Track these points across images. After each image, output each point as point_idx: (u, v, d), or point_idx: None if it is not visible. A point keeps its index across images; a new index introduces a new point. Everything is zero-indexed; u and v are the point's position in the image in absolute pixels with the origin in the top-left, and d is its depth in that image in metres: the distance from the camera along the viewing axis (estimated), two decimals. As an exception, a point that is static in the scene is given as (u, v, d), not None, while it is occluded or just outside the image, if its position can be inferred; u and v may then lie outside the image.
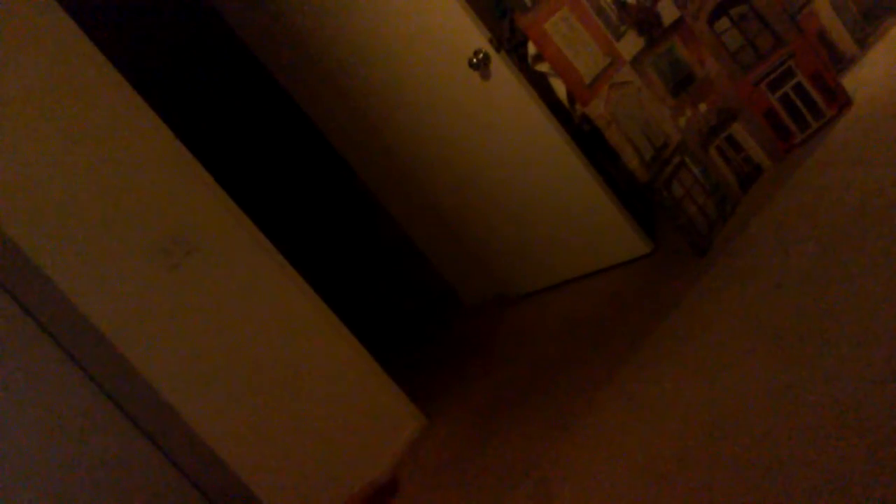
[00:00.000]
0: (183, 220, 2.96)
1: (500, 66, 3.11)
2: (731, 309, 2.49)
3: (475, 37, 3.08)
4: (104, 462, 2.81)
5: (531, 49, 3.14)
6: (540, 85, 3.21)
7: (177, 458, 2.94)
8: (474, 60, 3.12)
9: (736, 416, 2.02)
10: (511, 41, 3.21)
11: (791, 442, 1.83)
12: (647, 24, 3.07)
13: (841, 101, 3.10)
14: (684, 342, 2.53)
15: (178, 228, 2.94)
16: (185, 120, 3.43)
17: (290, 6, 3.54)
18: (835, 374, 1.89)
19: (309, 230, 5.03)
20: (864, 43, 3.47)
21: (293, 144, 4.85)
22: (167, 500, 2.89)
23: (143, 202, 2.91)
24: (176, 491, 2.92)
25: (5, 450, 2.66)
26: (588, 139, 3.25)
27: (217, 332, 2.94)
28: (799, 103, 3.13)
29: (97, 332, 2.68)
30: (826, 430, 1.78)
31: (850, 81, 3.26)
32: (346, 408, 3.16)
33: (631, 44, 3.03)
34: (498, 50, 3.09)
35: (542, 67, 3.17)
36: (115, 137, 2.90)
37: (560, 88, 3.15)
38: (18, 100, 2.75)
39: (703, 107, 3.11)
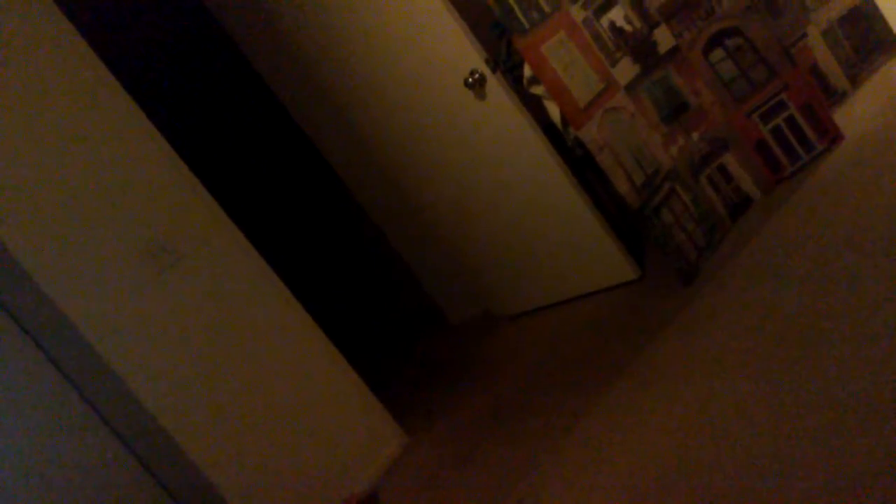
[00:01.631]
0: (172, 226, 2.95)
1: (496, 87, 3.12)
2: (716, 339, 2.50)
3: (472, 56, 3.09)
4: (80, 466, 2.78)
5: (527, 71, 3.15)
6: (534, 107, 3.23)
7: (154, 466, 2.91)
8: (470, 80, 3.13)
9: (715, 445, 2.02)
10: (507, 62, 3.22)
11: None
12: (643, 52, 3.09)
13: (832, 134, 3.13)
14: (668, 370, 2.53)
15: (166, 235, 2.93)
16: (176, 125, 3.42)
17: (285, 18, 3.55)
18: (818, 404, 1.89)
19: (297, 241, 5.02)
20: (856, 79, 3.51)
21: (284, 155, 4.85)
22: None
23: (133, 207, 2.89)
24: (152, 500, 2.88)
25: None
26: (580, 163, 3.26)
27: (201, 340, 2.92)
28: (790, 136, 3.16)
29: (79, 335, 2.65)
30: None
31: (842, 116, 3.29)
32: (327, 422, 3.14)
33: (626, 70, 3.04)
34: (494, 71, 3.11)
35: (537, 90, 3.18)
36: (107, 141, 2.89)
37: (554, 111, 3.17)
38: (11, 101, 2.74)
39: (695, 135, 3.12)
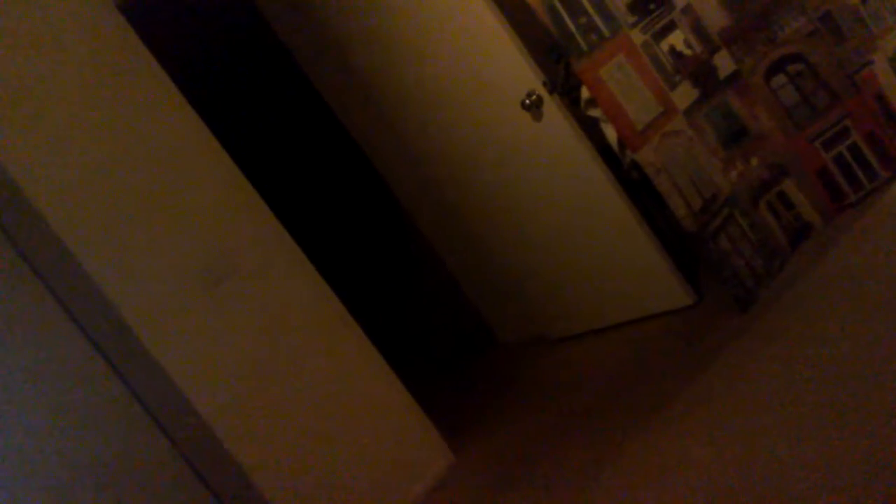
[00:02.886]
0: (233, 243, 3.00)
1: (553, 109, 3.12)
2: (771, 370, 2.45)
3: (529, 78, 3.10)
4: (132, 467, 2.84)
5: (584, 93, 3.15)
6: (591, 129, 3.22)
7: (205, 472, 2.95)
8: (527, 102, 3.14)
9: (763, 478, 1.97)
10: (565, 85, 3.23)
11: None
12: (703, 76, 3.07)
13: (897, 163, 3.07)
14: (720, 400, 2.49)
15: (227, 251, 2.98)
16: (232, 136, 3.48)
17: (344, 34, 3.60)
18: (873, 445, 1.83)
19: (349, 258, 5.06)
20: (922, 107, 3.43)
21: (340, 171, 4.90)
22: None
23: (196, 223, 2.95)
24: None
25: (43, 447, 2.70)
26: (636, 186, 3.24)
27: (253, 353, 2.95)
28: (853, 163, 3.10)
29: (137, 340, 2.71)
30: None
31: (907, 145, 3.22)
32: (376, 438, 3.15)
33: (685, 94, 3.02)
34: (551, 92, 3.11)
35: (594, 112, 3.18)
36: (171, 153, 2.97)
37: (611, 134, 3.15)
38: (91, 124, 2.83)
39: (754, 161, 3.08)
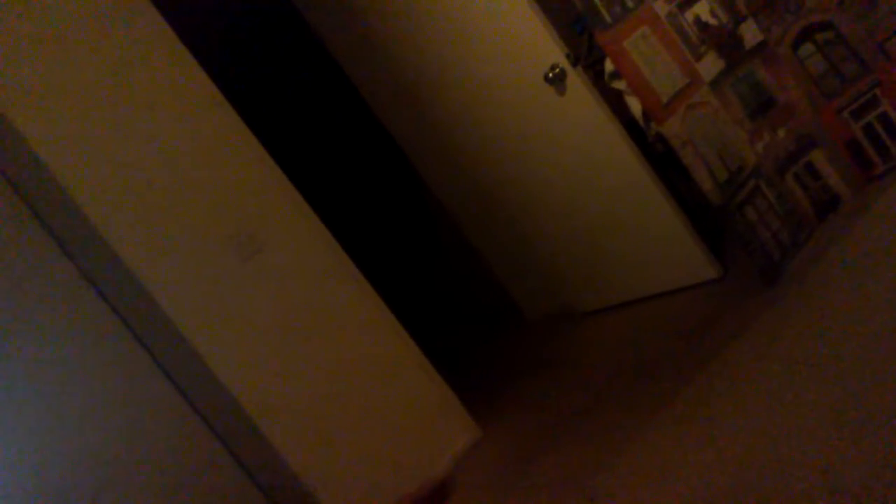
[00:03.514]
0: (257, 217, 3.02)
1: (576, 82, 3.10)
2: (797, 344, 2.42)
3: (552, 51, 3.08)
4: (163, 446, 2.88)
5: (608, 66, 3.12)
6: (615, 102, 3.19)
7: (232, 444, 2.99)
8: (550, 75, 3.12)
9: (793, 453, 1.96)
10: (588, 57, 3.20)
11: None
12: (729, 47, 3.03)
13: (928, 133, 3.01)
14: (746, 373, 2.47)
15: (252, 225, 3.00)
16: (259, 115, 3.49)
17: (369, 14, 3.60)
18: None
19: (374, 235, 5.08)
20: (955, 75, 3.36)
21: (362, 148, 4.91)
22: (221, 488, 2.95)
23: (222, 195, 2.98)
24: (232, 481, 2.97)
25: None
26: (661, 159, 3.22)
27: (282, 327, 2.98)
28: (883, 133, 3.05)
29: (165, 315, 2.74)
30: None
31: (939, 113, 3.15)
32: (403, 413, 3.17)
33: (711, 65, 2.99)
34: (574, 65, 3.09)
35: (619, 85, 3.15)
36: (199, 129, 2.99)
37: (635, 106, 3.13)
38: (119, 103, 2.86)
39: (781, 132, 3.04)
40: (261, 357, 2.91)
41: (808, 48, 3.08)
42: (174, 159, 2.92)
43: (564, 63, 3.08)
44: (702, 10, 2.99)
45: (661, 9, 2.94)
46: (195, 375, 2.86)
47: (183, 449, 2.95)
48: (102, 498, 2.74)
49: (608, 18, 2.87)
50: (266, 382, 2.89)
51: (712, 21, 3.01)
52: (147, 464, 2.85)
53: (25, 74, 2.70)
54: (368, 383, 3.13)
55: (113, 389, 2.87)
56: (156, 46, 2.96)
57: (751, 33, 3.05)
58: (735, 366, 2.55)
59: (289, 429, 2.90)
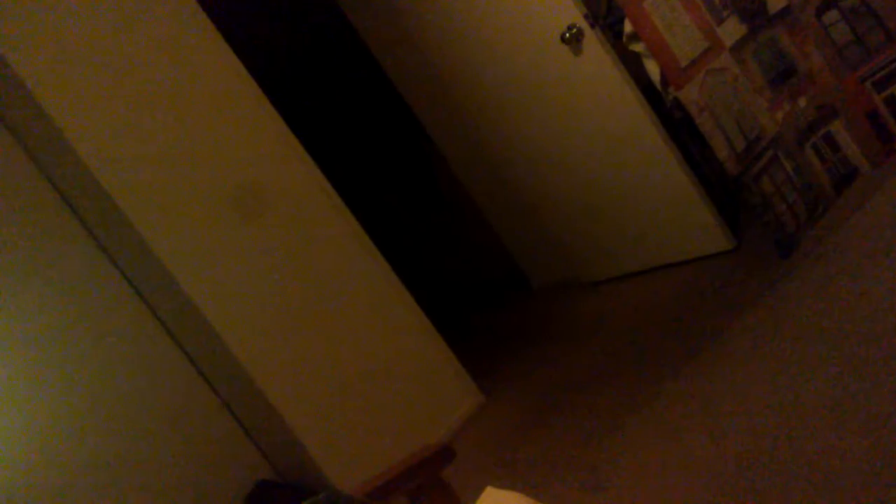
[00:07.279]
0: (262, 174, 2.98)
1: (594, 43, 3.03)
2: (809, 318, 2.38)
3: (570, 11, 3.01)
4: (162, 399, 2.87)
5: (627, 27, 3.04)
6: (632, 65, 3.12)
7: (234, 405, 2.98)
8: (567, 35, 3.04)
9: (800, 424, 1.93)
10: (607, 18, 3.12)
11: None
12: (752, 11, 2.95)
13: (952, 106, 2.94)
14: (756, 344, 2.43)
15: (257, 183, 2.96)
16: (275, 79, 3.43)
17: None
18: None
19: (383, 203, 5.03)
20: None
21: (374, 109, 4.84)
22: (221, 443, 2.94)
23: (225, 154, 2.93)
24: (232, 436, 2.97)
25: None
26: (678, 125, 3.15)
27: (285, 287, 2.95)
28: (906, 105, 2.98)
29: (168, 273, 2.71)
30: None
31: (965, 87, 3.08)
32: (406, 377, 3.15)
33: (732, 30, 2.91)
34: (592, 26, 3.01)
35: (637, 47, 3.07)
36: (204, 88, 2.94)
37: (653, 70, 3.05)
38: (119, 50, 2.80)
39: (802, 101, 2.97)
40: (264, 320, 2.89)
41: (832, 15, 3.00)
42: (180, 115, 2.87)
43: (582, 23, 3.01)
44: (725, -28, 2.91)
45: (684, -31, 2.86)
46: (197, 330, 2.84)
47: (187, 409, 2.93)
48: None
49: (629, -22, 2.79)
50: (264, 338, 2.86)
51: (736, -16, 2.92)
52: (153, 422, 2.83)
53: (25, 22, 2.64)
54: (374, 350, 3.11)
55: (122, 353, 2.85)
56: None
57: (775, -2, 2.97)
58: (746, 335, 2.51)
59: (290, 393, 2.88)
